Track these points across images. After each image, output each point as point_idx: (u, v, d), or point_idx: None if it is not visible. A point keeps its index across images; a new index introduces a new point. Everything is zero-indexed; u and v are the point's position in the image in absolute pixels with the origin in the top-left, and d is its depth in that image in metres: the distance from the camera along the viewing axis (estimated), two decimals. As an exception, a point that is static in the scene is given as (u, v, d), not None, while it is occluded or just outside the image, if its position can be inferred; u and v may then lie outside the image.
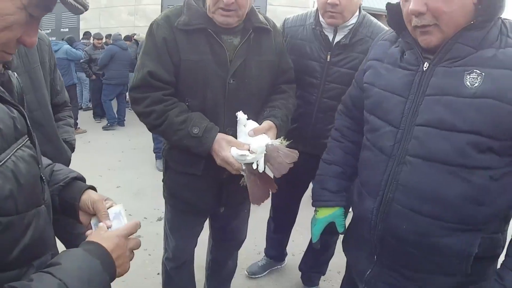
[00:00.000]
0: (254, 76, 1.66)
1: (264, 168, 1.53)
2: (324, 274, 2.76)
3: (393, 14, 1.27)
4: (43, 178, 0.83)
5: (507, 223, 1.23)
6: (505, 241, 1.23)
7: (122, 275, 0.90)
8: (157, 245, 2.82)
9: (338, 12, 1.85)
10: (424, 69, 1.17)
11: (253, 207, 2.34)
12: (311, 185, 2.48)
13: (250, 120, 1.61)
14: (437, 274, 1.23)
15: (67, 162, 1.79)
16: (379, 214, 1.26)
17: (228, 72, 1.60)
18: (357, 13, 1.94)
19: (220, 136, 1.56)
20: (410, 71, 1.21)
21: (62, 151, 1.90)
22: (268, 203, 2.60)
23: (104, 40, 8.44)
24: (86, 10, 0.78)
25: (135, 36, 9.08)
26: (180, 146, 1.63)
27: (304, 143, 2.06)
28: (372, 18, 2.00)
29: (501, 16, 1.12)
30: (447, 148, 1.11)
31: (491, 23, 1.10)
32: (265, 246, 2.96)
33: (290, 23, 2.13)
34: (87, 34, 9.42)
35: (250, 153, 1.50)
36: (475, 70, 1.08)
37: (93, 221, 1.02)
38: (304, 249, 2.81)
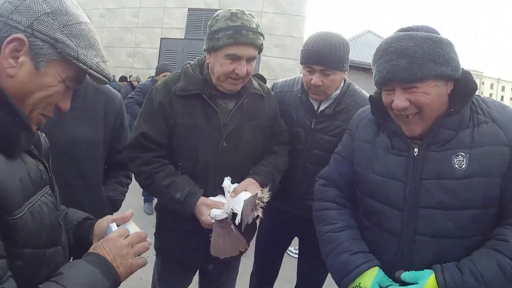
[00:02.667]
0: (247, 139, 1.73)
1: (239, 223, 1.53)
2: None
3: (376, 105, 1.40)
4: (60, 222, 0.96)
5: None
6: None
7: (130, 272, 1.00)
8: None
9: (321, 91, 1.92)
10: (415, 154, 1.30)
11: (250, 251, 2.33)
12: (294, 241, 2.51)
13: (236, 184, 1.65)
14: None
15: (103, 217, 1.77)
16: None
17: (222, 135, 1.67)
18: (342, 84, 2.01)
19: (200, 201, 1.61)
20: (402, 156, 1.33)
21: (102, 207, 1.86)
22: (252, 256, 2.61)
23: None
24: (110, 81, 0.96)
25: (130, 78, 9.15)
26: (168, 208, 1.71)
27: (287, 203, 2.12)
28: (356, 87, 2.08)
29: None
30: (450, 225, 1.25)
31: (465, 107, 1.27)
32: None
33: (279, 88, 2.19)
34: None
35: (224, 209, 1.56)
36: (460, 153, 1.24)
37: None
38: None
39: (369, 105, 1.51)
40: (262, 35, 1.66)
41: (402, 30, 1.29)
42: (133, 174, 1.87)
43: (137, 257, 1.03)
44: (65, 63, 0.84)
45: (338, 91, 2.00)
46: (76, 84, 0.91)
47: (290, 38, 10.43)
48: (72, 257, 1.16)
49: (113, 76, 8.32)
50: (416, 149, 1.30)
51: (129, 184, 2.12)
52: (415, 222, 1.29)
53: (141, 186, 1.74)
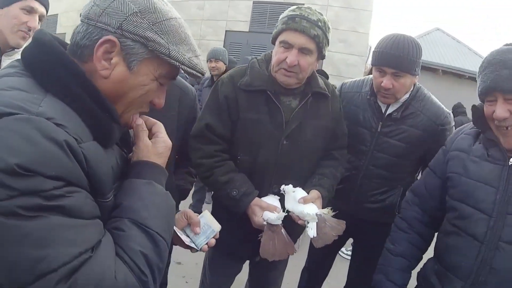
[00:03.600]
0: (308, 139, 1.73)
1: (315, 234, 1.59)
2: None
3: (477, 115, 1.41)
4: None
5: None
6: None
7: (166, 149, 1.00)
8: (195, 275, 2.88)
9: (391, 94, 1.90)
10: (510, 164, 1.33)
11: (302, 248, 2.34)
12: (349, 241, 2.47)
13: (299, 188, 1.68)
14: None
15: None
16: None
17: (283, 133, 1.68)
18: (411, 88, 1.97)
19: (254, 202, 1.65)
20: (497, 165, 1.36)
21: (171, 194, 1.96)
22: (304, 252, 2.65)
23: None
24: (203, 75, 0.96)
25: None
26: (220, 202, 1.77)
27: (347, 204, 2.10)
28: (426, 91, 2.05)
29: None
30: None
31: None
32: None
33: (347, 88, 2.19)
34: None
35: (277, 214, 1.60)
36: None
37: (178, 231, 1.14)
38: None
39: (465, 124, 1.59)
40: (321, 28, 1.60)
41: (507, 44, 1.34)
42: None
43: None
44: (157, 61, 0.85)
45: (407, 95, 1.97)
46: (169, 80, 0.93)
47: (355, 33, 10.13)
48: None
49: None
50: (511, 159, 1.32)
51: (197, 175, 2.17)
52: (501, 229, 1.30)
53: (199, 177, 1.81)
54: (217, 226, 1.18)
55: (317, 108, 1.75)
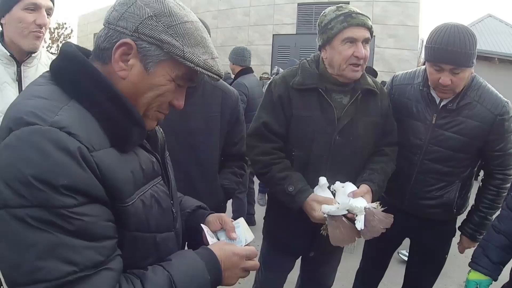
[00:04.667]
0: (360, 135, 1.77)
1: (363, 227, 1.59)
2: None
3: None
4: (173, 210, 1.04)
5: None
6: None
7: (228, 285, 1.03)
8: (249, 276, 2.87)
9: (449, 89, 1.83)
10: None
11: (345, 256, 2.31)
12: (405, 241, 2.41)
13: (348, 182, 1.71)
14: None
15: (217, 205, 1.89)
16: None
17: (335, 129, 1.73)
18: (468, 80, 1.89)
19: (311, 197, 1.67)
20: None
21: (215, 194, 2.02)
22: (360, 254, 2.61)
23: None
24: (221, 78, 0.96)
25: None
26: (276, 197, 1.80)
27: (401, 200, 2.08)
28: (481, 80, 1.95)
29: None
30: None
31: None
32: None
33: (399, 81, 2.13)
34: None
35: (338, 206, 1.62)
36: None
37: (209, 233, 1.13)
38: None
39: None
40: (369, 18, 1.72)
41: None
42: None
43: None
44: (173, 63, 0.87)
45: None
46: (187, 82, 0.94)
47: (404, 27, 9.85)
48: (186, 243, 1.28)
49: (229, 73, 8.74)
50: None
51: (243, 175, 2.23)
52: None
53: (256, 174, 1.87)
54: (250, 237, 1.17)
55: (367, 104, 1.80)
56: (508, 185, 2.04)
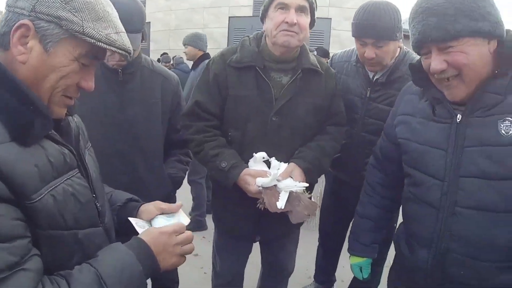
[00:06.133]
0: (299, 115, 1.73)
1: (283, 206, 1.59)
2: None
3: (417, 73, 1.33)
4: (97, 204, 0.98)
5: None
6: None
7: (169, 268, 1.01)
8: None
9: (376, 62, 1.92)
10: (458, 121, 1.22)
11: (307, 234, 2.34)
12: None
13: (282, 163, 1.69)
14: None
15: (165, 195, 1.83)
16: (434, 263, 1.30)
17: (272, 109, 1.68)
18: (397, 53, 1.98)
19: (244, 172, 1.65)
20: (444, 124, 1.26)
21: (162, 183, 1.97)
22: (317, 230, 2.73)
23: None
24: (130, 54, 0.93)
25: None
26: (211, 176, 1.78)
27: (345, 173, 2.19)
28: (414, 55, 2.01)
29: None
30: (494, 197, 1.16)
31: None
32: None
33: (337, 59, 2.25)
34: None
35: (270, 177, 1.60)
36: (507, 118, 1.14)
37: (139, 224, 1.11)
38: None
39: (411, 83, 1.48)
40: None
41: None
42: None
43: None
44: (74, 40, 0.83)
45: (393, 60, 1.98)
46: (93, 61, 0.90)
47: (360, 10, 9.96)
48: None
49: (181, 57, 8.45)
50: (459, 116, 1.22)
51: (189, 162, 2.19)
52: (455, 193, 1.22)
53: (192, 153, 1.84)
54: (185, 221, 1.14)
55: (308, 84, 1.75)
56: None
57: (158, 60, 8.54)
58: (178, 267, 2.29)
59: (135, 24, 1.70)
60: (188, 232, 1.07)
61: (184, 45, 4.25)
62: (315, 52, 5.19)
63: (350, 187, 2.25)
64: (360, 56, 1.97)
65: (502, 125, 1.14)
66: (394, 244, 1.57)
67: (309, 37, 1.74)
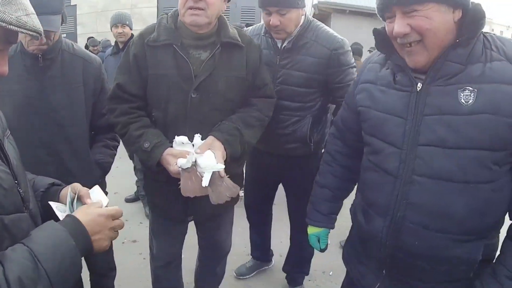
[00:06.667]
0: (220, 91, 1.72)
1: (207, 184, 1.58)
2: (307, 274, 2.85)
3: (380, 38, 1.32)
4: (20, 190, 0.98)
5: (501, 226, 1.30)
6: (499, 243, 1.31)
7: (101, 250, 1.03)
8: None
9: (280, 29, 2.03)
10: (418, 89, 1.21)
11: (241, 211, 2.41)
12: (281, 186, 2.62)
13: (200, 140, 1.67)
14: (445, 282, 1.30)
15: (93, 182, 1.81)
16: (389, 232, 1.30)
17: (192, 86, 1.67)
18: (301, 22, 2.10)
19: (167, 151, 1.64)
20: (405, 92, 1.25)
21: (89, 170, 1.94)
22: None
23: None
24: (41, 35, 0.91)
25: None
26: (138, 157, 1.76)
27: (265, 143, 2.20)
28: (319, 23, 2.18)
29: (482, 30, 1.17)
30: (451, 166, 1.16)
31: (474, 39, 1.15)
32: (252, 248, 3.05)
33: (249, 33, 2.31)
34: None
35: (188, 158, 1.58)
36: (467, 87, 1.13)
37: (59, 207, 1.10)
38: (292, 250, 2.88)
39: (373, 52, 1.49)
40: None
41: None
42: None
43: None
44: None
45: (298, 28, 2.09)
46: (5, 45, 0.89)
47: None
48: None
49: (108, 40, 8.07)
50: (419, 84, 1.21)
51: (116, 146, 2.17)
52: (413, 161, 1.22)
53: (118, 135, 1.83)
54: (105, 201, 1.15)
55: (229, 59, 1.73)
56: None
57: (86, 46, 8.16)
58: (115, 254, 2.29)
59: (53, 5, 1.65)
60: (121, 220, 1.09)
61: (123, 24, 3.92)
62: (245, 29, 5.16)
63: (269, 157, 2.36)
64: (266, 25, 2.07)
65: (462, 95, 1.14)
66: (351, 214, 1.57)
67: (225, 8, 1.74)
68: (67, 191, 1.14)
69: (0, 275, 0.78)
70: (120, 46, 3.91)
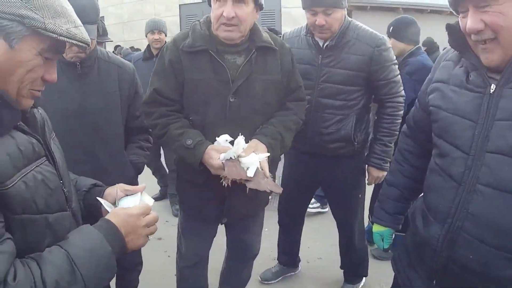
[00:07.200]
0: (258, 94, 1.75)
1: (252, 174, 1.60)
2: (366, 275, 2.77)
3: (454, 35, 1.23)
4: (65, 190, 1.04)
5: None
6: None
7: (137, 248, 1.08)
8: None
9: (326, 29, 2.10)
10: (491, 91, 1.12)
11: (269, 214, 2.38)
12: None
13: (243, 141, 1.68)
14: None
15: (128, 182, 1.88)
16: (445, 241, 1.23)
17: (230, 91, 1.70)
18: (343, 20, 2.17)
19: (210, 147, 1.66)
20: (477, 93, 1.16)
21: (124, 170, 2.02)
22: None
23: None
24: (89, 45, 0.99)
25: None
26: (178, 156, 1.79)
27: (303, 142, 2.26)
28: (358, 23, 2.24)
29: None
30: None
31: None
32: (278, 252, 2.99)
33: (289, 35, 2.42)
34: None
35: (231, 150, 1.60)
36: None
37: (106, 204, 1.15)
38: (320, 256, 2.89)
39: (448, 49, 1.39)
40: None
41: None
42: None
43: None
44: (37, 36, 0.88)
45: (340, 27, 2.16)
46: (55, 54, 0.95)
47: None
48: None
49: (128, 48, 8.31)
50: (493, 85, 1.11)
51: (149, 147, 2.25)
52: (479, 168, 1.12)
53: (156, 137, 1.85)
54: (150, 201, 1.20)
55: (264, 62, 1.77)
56: (400, 112, 2.28)
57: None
58: (141, 251, 2.33)
59: (89, 15, 1.74)
60: (154, 213, 1.13)
61: (159, 31, 3.96)
62: (284, 33, 5.11)
63: (310, 158, 2.36)
64: (311, 25, 2.12)
65: None
66: (409, 216, 1.49)
67: (257, 18, 1.76)
68: (113, 190, 1.21)
69: (37, 277, 0.82)
70: (154, 52, 3.95)
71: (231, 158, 1.59)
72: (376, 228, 1.69)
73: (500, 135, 1.09)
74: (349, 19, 2.20)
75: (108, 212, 1.09)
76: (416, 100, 1.53)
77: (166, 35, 4.04)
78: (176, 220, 3.79)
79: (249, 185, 1.58)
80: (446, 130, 1.25)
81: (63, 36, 0.89)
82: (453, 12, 1.19)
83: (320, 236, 3.45)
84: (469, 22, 1.07)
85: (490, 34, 1.06)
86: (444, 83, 1.29)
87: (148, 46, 4.02)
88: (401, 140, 1.65)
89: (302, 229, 2.83)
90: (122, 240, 1.02)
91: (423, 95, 1.44)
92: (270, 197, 1.99)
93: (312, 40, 2.21)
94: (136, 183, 2.09)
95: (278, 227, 2.87)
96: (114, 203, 1.18)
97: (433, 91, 1.34)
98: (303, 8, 2.13)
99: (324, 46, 2.17)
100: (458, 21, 1.18)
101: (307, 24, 2.23)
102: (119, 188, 1.21)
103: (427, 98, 1.37)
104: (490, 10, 1.03)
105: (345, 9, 2.13)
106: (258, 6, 1.73)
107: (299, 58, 2.18)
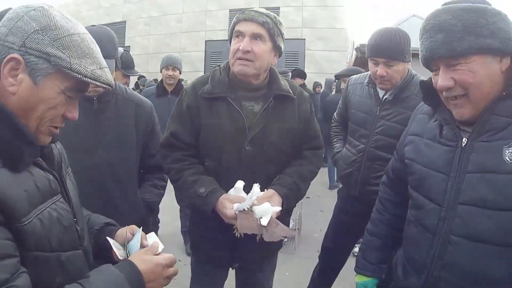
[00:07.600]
0: (274, 142, 1.73)
1: (266, 224, 1.58)
2: None
3: (427, 90, 1.29)
4: (78, 228, 1.02)
5: None
6: None
7: None
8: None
9: (386, 80, 2.09)
10: (463, 145, 1.15)
11: (287, 257, 2.30)
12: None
13: (259, 190, 1.67)
14: None
15: (139, 220, 1.76)
16: None
17: (246, 138, 1.69)
18: (406, 75, 2.15)
19: (223, 196, 1.64)
20: (449, 147, 1.19)
21: (137, 210, 1.95)
22: (302, 255, 2.58)
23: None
24: (112, 87, 1.01)
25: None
26: (191, 203, 1.79)
27: (353, 188, 2.29)
28: (422, 78, 2.14)
29: None
30: (491, 228, 1.08)
31: None
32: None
33: (353, 81, 2.46)
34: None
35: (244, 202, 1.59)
36: None
37: (115, 245, 1.13)
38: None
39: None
40: (269, 17, 1.67)
41: (444, 4, 1.18)
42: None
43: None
44: (61, 75, 0.89)
45: (402, 81, 2.15)
46: (78, 93, 0.96)
47: (332, 30, 10.25)
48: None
49: (151, 81, 8.45)
50: (464, 139, 1.15)
51: (164, 186, 2.16)
52: (452, 220, 1.15)
53: (171, 181, 1.84)
54: (160, 247, 1.17)
55: (282, 111, 1.75)
56: None
57: (137, 84, 8.61)
58: None
59: (108, 50, 1.72)
60: (176, 268, 1.11)
61: (174, 68, 3.94)
62: (290, 74, 5.18)
63: (358, 203, 2.33)
64: (373, 74, 2.13)
65: (507, 152, 1.06)
66: (393, 266, 1.51)
67: (275, 62, 1.76)
68: (124, 232, 1.18)
69: None
70: (168, 88, 3.94)
71: (244, 209, 1.57)
72: (360, 278, 1.66)
73: (472, 187, 1.12)
74: (414, 73, 2.18)
75: (117, 254, 1.09)
76: (395, 152, 1.58)
77: (180, 72, 4.04)
78: (188, 260, 3.75)
79: (264, 238, 1.58)
80: (421, 183, 1.28)
81: (87, 77, 0.90)
82: (428, 69, 1.25)
83: (342, 281, 3.32)
84: (440, 80, 1.13)
85: (460, 90, 1.11)
86: (418, 136, 1.34)
87: (161, 81, 4.02)
88: (381, 190, 1.67)
89: (340, 270, 2.72)
90: (142, 285, 0.99)
91: (400, 147, 1.48)
92: (285, 239, 1.93)
93: (374, 91, 2.23)
94: (148, 222, 2.07)
95: (297, 269, 2.78)
96: (123, 245, 1.16)
97: (409, 143, 1.39)
98: (367, 57, 2.13)
99: (383, 98, 2.18)
100: (431, 78, 1.24)
101: (369, 75, 2.26)
102: (129, 230, 1.19)
103: (404, 149, 1.42)
104: (460, 68, 1.08)
105: (409, 63, 2.12)
106: (277, 50, 1.74)
107: (359, 106, 2.28)
